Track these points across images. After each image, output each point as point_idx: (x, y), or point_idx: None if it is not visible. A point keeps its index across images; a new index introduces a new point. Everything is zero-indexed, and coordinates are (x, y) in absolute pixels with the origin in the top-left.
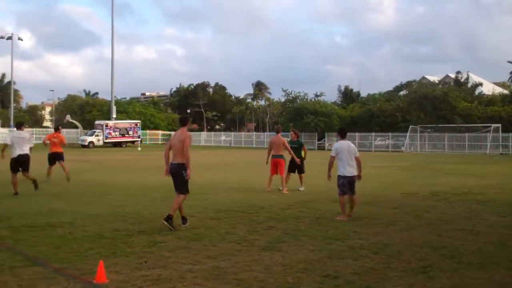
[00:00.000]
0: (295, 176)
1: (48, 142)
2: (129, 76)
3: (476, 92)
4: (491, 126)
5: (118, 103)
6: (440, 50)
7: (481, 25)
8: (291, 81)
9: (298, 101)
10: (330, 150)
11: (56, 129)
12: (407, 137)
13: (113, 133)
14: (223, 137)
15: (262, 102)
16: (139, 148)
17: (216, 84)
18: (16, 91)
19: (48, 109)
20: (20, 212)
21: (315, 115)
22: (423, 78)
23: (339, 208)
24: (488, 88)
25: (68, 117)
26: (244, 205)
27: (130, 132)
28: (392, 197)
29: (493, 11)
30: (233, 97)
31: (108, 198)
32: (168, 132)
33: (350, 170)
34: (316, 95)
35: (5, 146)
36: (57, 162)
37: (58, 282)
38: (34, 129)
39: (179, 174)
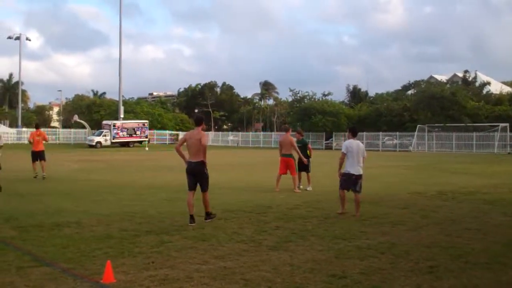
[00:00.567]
0: (304, 175)
1: (32, 140)
2: (137, 76)
3: (484, 91)
4: (499, 125)
5: (125, 103)
6: (448, 49)
7: (489, 24)
8: (298, 81)
9: (306, 101)
10: (338, 149)
11: (37, 127)
12: (415, 136)
13: (120, 133)
14: (231, 137)
15: (270, 102)
16: (147, 148)
17: (224, 84)
18: (24, 91)
19: (55, 109)
20: (28, 212)
21: (322, 115)
22: (431, 77)
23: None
24: (496, 87)
25: (75, 117)
26: (252, 205)
27: (138, 132)
28: (400, 197)
29: (502, 10)
30: (241, 97)
31: (115, 197)
32: (175, 132)
33: (357, 169)
34: (324, 95)
35: None
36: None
37: (65, 282)
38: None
39: (200, 173)
